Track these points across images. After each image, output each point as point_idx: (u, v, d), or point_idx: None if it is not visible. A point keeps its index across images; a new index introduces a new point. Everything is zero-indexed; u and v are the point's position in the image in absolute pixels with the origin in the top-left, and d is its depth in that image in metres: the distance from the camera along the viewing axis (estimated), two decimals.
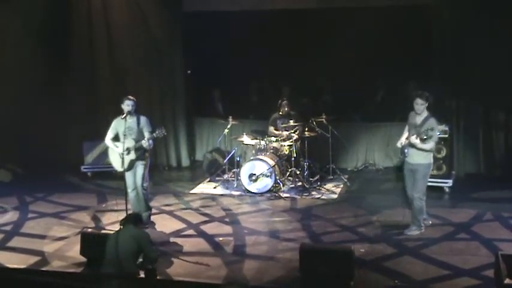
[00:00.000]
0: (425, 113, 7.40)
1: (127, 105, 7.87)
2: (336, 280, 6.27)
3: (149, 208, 8.27)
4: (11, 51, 11.10)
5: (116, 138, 8.01)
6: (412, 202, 7.59)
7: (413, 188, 7.53)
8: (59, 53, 11.40)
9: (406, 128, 7.64)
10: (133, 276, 5.98)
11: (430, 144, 7.31)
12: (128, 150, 7.88)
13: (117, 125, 7.98)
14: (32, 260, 7.12)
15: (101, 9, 11.32)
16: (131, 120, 7.91)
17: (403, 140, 7.54)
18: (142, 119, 8.01)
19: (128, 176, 8.01)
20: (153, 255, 6.33)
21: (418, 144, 7.26)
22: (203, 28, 11.33)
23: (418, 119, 7.41)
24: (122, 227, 6.40)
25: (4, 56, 11.07)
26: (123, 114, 7.88)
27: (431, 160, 7.56)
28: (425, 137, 7.17)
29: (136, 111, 7.99)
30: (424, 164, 7.43)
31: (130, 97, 7.97)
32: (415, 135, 7.27)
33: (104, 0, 11.29)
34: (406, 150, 7.44)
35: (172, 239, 7.72)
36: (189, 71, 11.94)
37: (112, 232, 6.65)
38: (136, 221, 6.41)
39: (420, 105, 7.35)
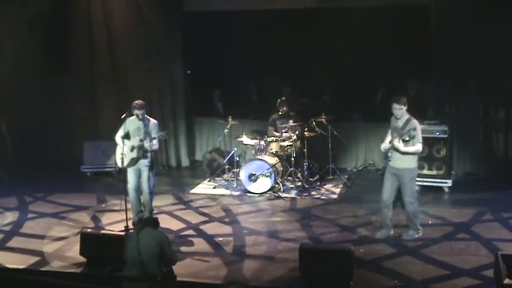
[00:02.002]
0: (406, 116, 7.33)
1: (135, 114, 7.97)
2: (336, 280, 6.27)
3: (152, 209, 8.34)
4: (11, 51, 11.10)
5: (127, 137, 8.05)
6: (405, 207, 7.54)
7: (403, 194, 7.45)
8: (59, 53, 11.40)
9: (389, 132, 7.55)
10: (156, 279, 5.95)
11: (415, 147, 7.22)
12: (132, 148, 7.96)
13: (127, 125, 8.04)
14: (32, 260, 7.13)
15: (100, 9, 11.32)
16: (140, 122, 8.00)
17: (386, 144, 7.46)
18: (152, 122, 8.11)
19: (131, 174, 8.09)
20: (174, 258, 6.27)
21: (402, 148, 7.18)
22: (203, 28, 11.32)
23: (400, 122, 7.33)
24: (140, 229, 6.35)
25: (4, 56, 11.07)
26: (124, 114, 7.96)
27: (416, 164, 7.49)
28: (407, 138, 7.10)
29: (146, 114, 8.08)
30: (409, 168, 7.35)
31: (140, 104, 7.97)
32: (397, 139, 7.20)
33: (104, 1, 11.29)
34: (389, 154, 7.36)
35: (172, 239, 7.71)
36: (189, 71, 11.94)
37: (132, 234, 6.61)
38: (154, 223, 6.39)
39: (398, 110, 7.30)
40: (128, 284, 5.92)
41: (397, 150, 7.25)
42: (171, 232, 8.00)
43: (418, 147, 7.27)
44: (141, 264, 5.86)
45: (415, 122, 7.30)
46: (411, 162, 7.37)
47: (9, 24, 11.13)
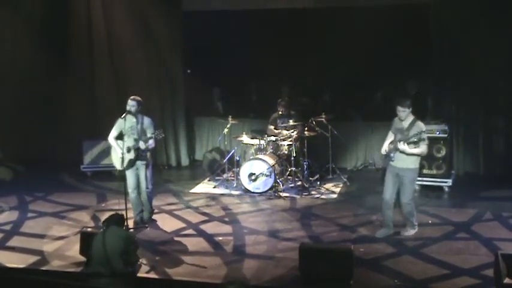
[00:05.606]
0: (411, 117, 7.30)
1: (128, 105, 7.92)
2: (336, 279, 6.27)
3: (152, 208, 8.35)
4: (11, 51, 11.10)
5: (120, 137, 8.04)
6: (402, 207, 7.53)
7: (402, 195, 7.43)
8: (59, 53, 11.40)
9: (390, 133, 7.52)
10: (123, 275, 6.01)
11: (420, 149, 7.18)
12: (128, 149, 7.92)
13: (120, 124, 8.01)
14: (32, 259, 7.12)
15: (100, 9, 11.31)
16: (134, 120, 7.95)
17: (386, 146, 7.45)
18: (146, 119, 8.05)
19: (129, 175, 8.06)
20: (134, 258, 6.33)
21: (407, 150, 7.15)
22: (203, 28, 11.33)
23: (405, 124, 7.30)
24: (105, 227, 6.39)
25: (4, 56, 11.07)
26: (124, 114, 7.90)
27: (418, 165, 7.45)
28: (416, 140, 7.09)
29: (140, 112, 8.02)
30: (412, 169, 7.33)
31: (133, 97, 7.97)
32: (402, 142, 7.16)
33: (103, 1, 11.29)
34: (392, 155, 7.33)
35: (172, 239, 7.72)
36: (189, 71, 11.94)
37: (97, 233, 6.64)
38: (119, 221, 6.40)
39: (401, 112, 7.27)
40: (95, 281, 5.99)
41: (402, 152, 7.21)
42: (172, 231, 8.00)
43: (423, 148, 7.22)
44: (107, 262, 5.92)
45: (421, 125, 7.27)
46: (414, 163, 7.34)
47: (8, 24, 11.13)
